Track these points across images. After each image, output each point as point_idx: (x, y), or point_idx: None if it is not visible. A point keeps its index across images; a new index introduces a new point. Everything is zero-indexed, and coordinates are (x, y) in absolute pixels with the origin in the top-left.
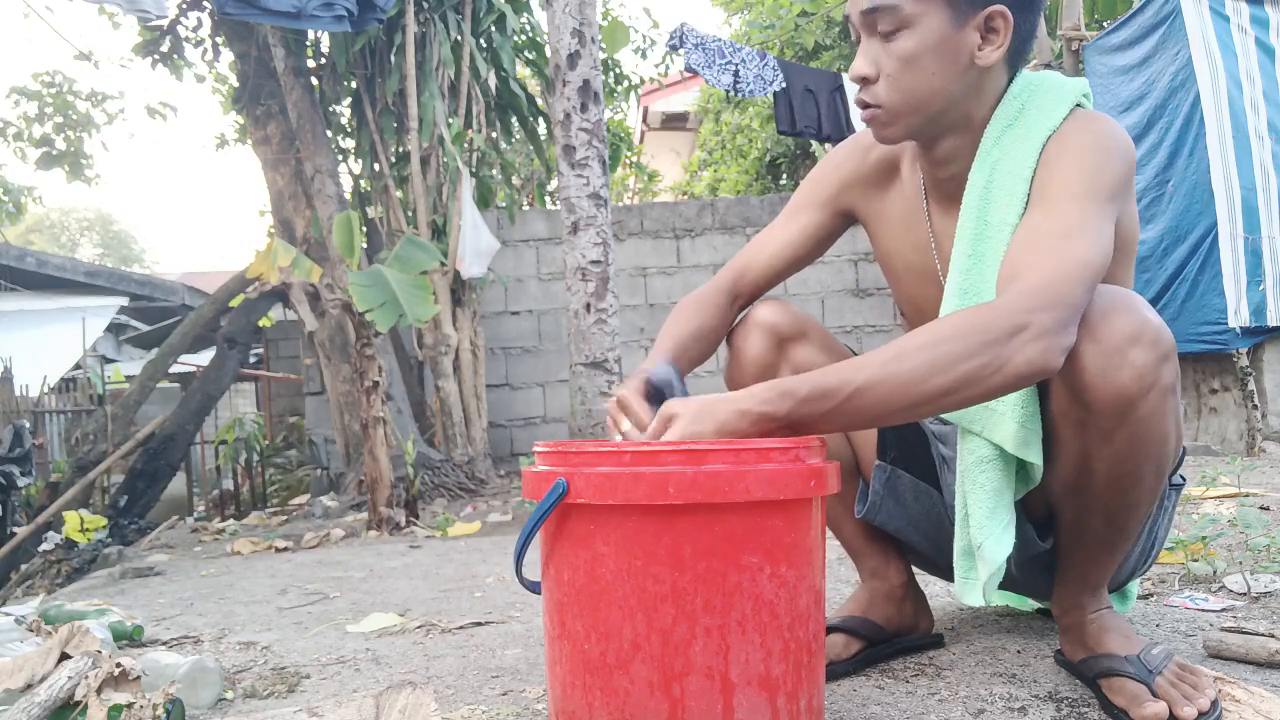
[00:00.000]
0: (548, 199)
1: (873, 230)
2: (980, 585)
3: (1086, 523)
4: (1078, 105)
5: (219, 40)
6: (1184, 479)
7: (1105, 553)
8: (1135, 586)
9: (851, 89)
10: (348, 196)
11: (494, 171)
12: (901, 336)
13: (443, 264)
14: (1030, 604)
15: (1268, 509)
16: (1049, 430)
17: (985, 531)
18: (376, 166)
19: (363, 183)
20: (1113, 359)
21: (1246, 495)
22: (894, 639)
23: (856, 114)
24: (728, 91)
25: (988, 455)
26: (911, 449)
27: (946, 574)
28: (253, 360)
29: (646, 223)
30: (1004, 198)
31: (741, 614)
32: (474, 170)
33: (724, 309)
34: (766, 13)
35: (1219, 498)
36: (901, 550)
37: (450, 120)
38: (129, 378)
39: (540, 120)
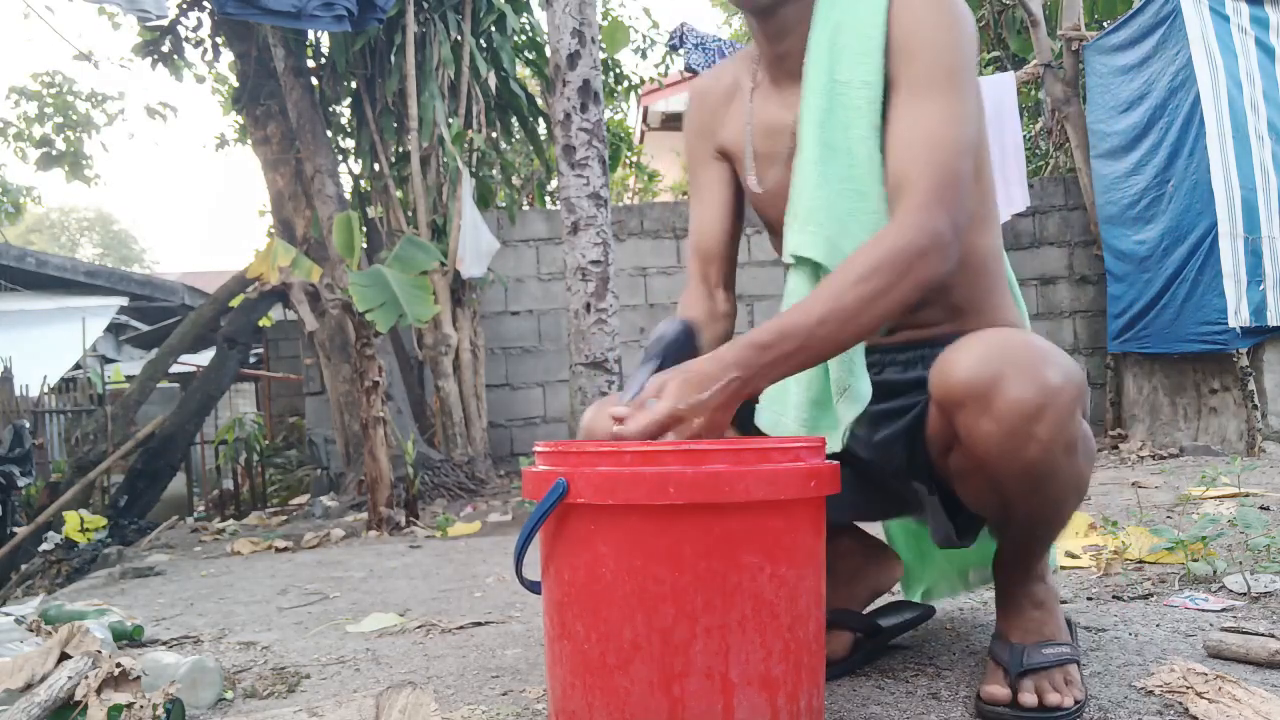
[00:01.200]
0: (548, 199)
1: (729, 154)
2: (841, 429)
3: (1014, 538)
4: None
5: (219, 40)
6: None
7: (1037, 550)
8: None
9: None
10: (348, 196)
11: (494, 171)
12: (831, 275)
13: (443, 264)
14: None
15: (1268, 509)
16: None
17: (856, 374)
18: (376, 166)
19: (363, 183)
20: (1015, 438)
21: (1246, 495)
22: (867, 607)
23: None
24: None
25: None
26: None
27: (884, 515)
28: (253, 360)
29: (646, 223)
30: (852, 57)
31: (741, 614)
32: (474, 170)
33: (709, 295)
34: None
35: (1219, 498)
36: (839, 527)
37: (450, 120)
38: (129, 378)
39: (540, 120)
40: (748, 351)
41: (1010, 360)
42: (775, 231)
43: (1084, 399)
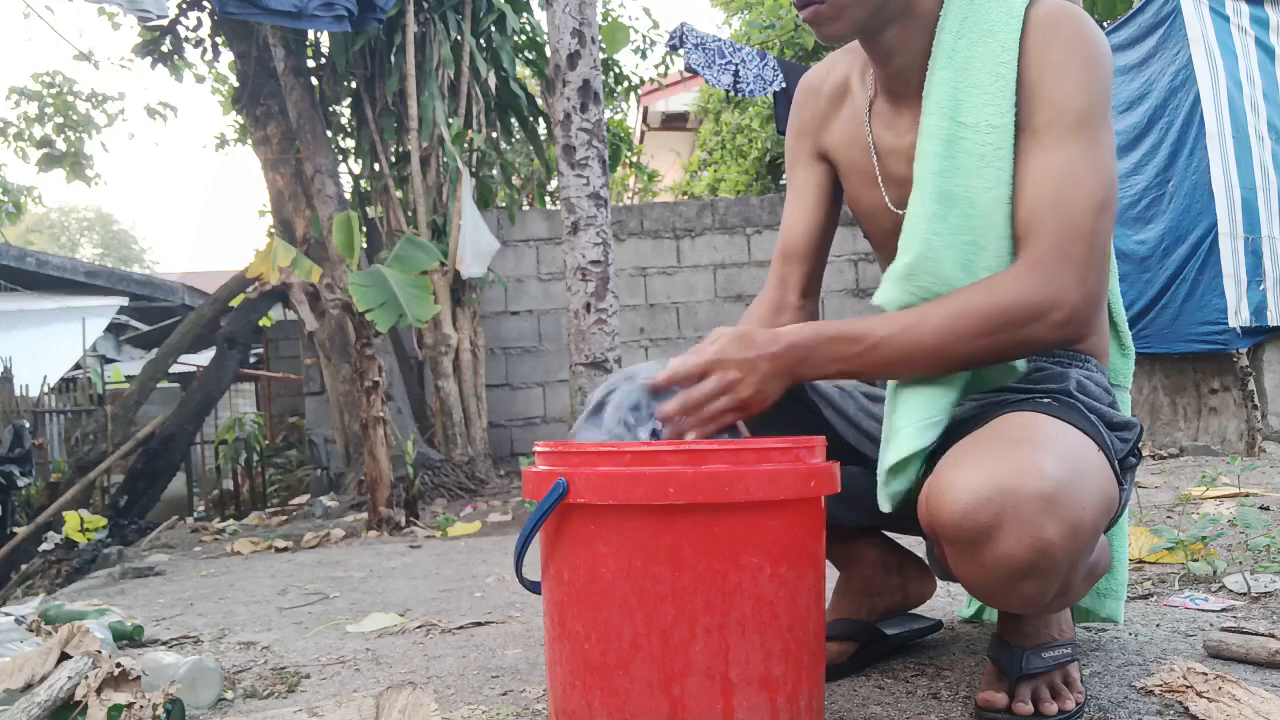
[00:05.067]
0: (548, 199)
1: (834, 159)
2: (883, 477)
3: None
4: None
5: (219, 40)
6: (1139, 453)
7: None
8: (1119, 588)
9: None
10: (348, 196)
11: (494, 171)
12: (934, 301)
13: (443, 264)
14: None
15: (1268, 509)
16: None
17: (908, 418)
18: (376, 166)
19: (363, 183)
20: (1000, 587)
21: (1246, 495)
22: (882, 621)
23: None
24: (728, 91)
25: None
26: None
27: (906, 529)
28: (253, 360)
29: (646, 223)
30: (979, 97)
31: (742, 614)
32: (474, 170)
33: (782, 299)
34: (766, 13)
35: (1219, 498)
36: (865, 532)
37: (450, 120)
38: (129, 378)
39: (540, 120)
40: (809, 332)
41: (1008, 504)
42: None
43: (1095, 536)
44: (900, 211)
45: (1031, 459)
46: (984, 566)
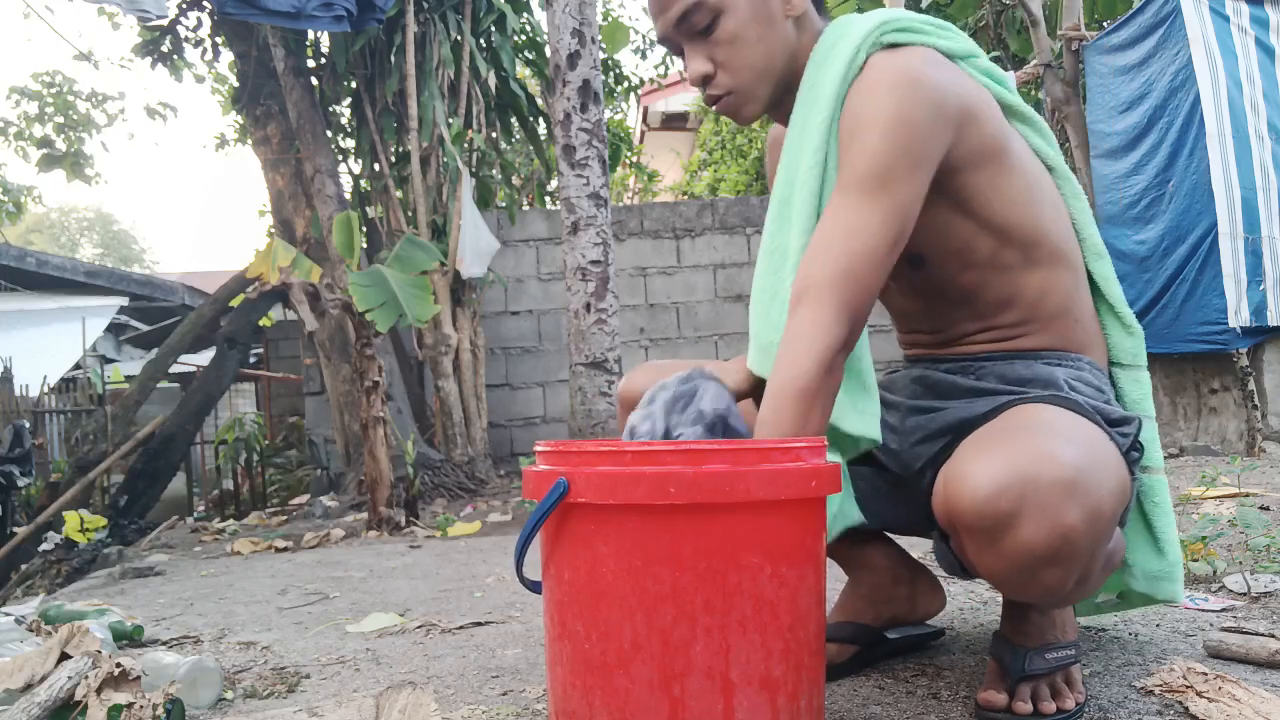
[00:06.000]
0: (548, 199)
1: None
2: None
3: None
4: (886, 46)
5: (219, 40)
6: (1141, 447)
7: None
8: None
9: None
10: (348, 196)
11: (494, 171)
12: (770, 419)
13: (443, 264)
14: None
15: (1268, 509)
16: None
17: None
18: (376, 166)
19: (363, 183)
20: (1021, 575)
21: (1246, 495)
22: (888, 629)
23: None
24: None
25: None
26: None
27: (913, 530)
28: (253, 360)
29: (646, 223)
30: (803, 160)
31: (742, 614)
32: (474, 170)
33: None
34: None
35: (1219, 498)
36: (877, 538)
37: (450, 120)
38: (129, 378)
39: (540, 120)
40: None
41: (1029, 491)
42: None
43: (1114, 523)
44: None
45: (1050, 446)
46: (1005, 555)
